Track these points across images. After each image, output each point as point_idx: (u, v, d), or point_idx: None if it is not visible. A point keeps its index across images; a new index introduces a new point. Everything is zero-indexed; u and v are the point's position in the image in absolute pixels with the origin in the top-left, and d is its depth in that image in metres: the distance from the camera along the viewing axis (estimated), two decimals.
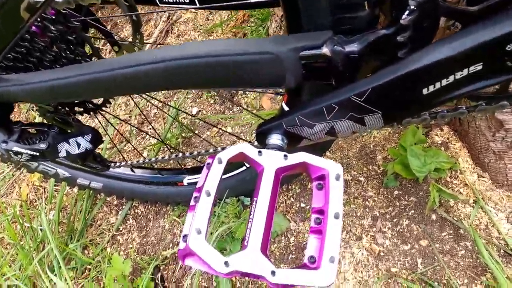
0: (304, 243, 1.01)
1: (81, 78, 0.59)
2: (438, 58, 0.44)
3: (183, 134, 1.43)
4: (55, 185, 1.52)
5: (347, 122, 0.53)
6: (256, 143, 0.64)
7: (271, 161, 0.55)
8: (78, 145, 0.78)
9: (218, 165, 0.55)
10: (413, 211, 0.93)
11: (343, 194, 0.52)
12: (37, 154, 0.74)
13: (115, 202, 1.42)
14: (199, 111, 1.46)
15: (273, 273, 0.46)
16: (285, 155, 0.55)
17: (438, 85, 0.46)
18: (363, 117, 0.51)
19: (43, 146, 0.73)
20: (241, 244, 0.50)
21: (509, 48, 0.40)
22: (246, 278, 1.02)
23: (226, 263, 0.46)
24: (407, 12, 0.45)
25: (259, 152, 0.55)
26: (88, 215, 1.38)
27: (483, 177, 0.91)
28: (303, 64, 0.52)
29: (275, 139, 0.59)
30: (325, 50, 0.50)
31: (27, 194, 1.61)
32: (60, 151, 0.76)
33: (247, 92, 1.40)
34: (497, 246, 0.83)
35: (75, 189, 1.49)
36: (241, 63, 0.53)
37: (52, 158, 0.76)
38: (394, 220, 0.94)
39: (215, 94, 1.48)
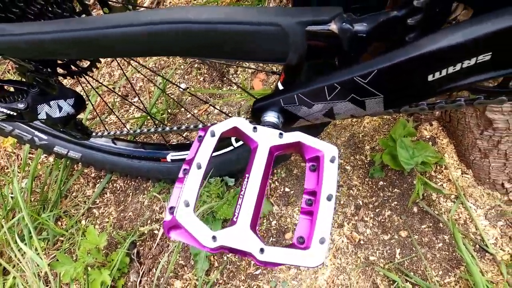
0: (285, 227, 1.01)
1: (67, 34, 0.54)
2: (447, 44, 0.43)
3: (169, 110, 1.39)
4: (29, 153, 1.45)
5: (347, 104, 0.52)
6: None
7: (266, 138, 0.53)
8: (60, 108, 0.73)
9: (211, 138, 0.53)
10: (396, 203, 0.94)
11: (337, 176, 0.51)
12: (14, 114, 0.69)
13: (92, 174, 1.37)
14: (188, 87, 1.42)
15: (261, 250, 0.44)
16: (280, 133, 0.53)
17: (444, 72, 0.45)
18: (364, 100, 0.50)
19: (21, 106, 0.68)
20: (230, 220, 0.48)
21: None
22: (225, 258, 1.01)
23: (213, 238, 0.45)
24: None
25: (254, 128, 0.53)
26: (63, 186, 1.33)
27: (467, 174, 0.92)
28: (308, 40, 0.50)
29: (271, 116, 0.57)
30: (333, 27, 0.48)
31: None
32: (40, 113, 0.71)
33: (238, 72, 1.37)
34: (474, 241, 0.85)
35: (51, 158, 1.43)
36: (242, 33, 0.50)
37: (30, 119, 0.72)
38: (377, 210, 0.95)
39: (205, 71, 1.44)
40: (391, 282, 0.86)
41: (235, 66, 1.39)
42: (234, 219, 0.47)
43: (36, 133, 1.16)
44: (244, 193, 0.49)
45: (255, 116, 0.59)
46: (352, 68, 0.48)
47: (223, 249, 0.46)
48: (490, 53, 0.42)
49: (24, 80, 0.74)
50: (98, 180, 1.36)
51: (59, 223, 1.29)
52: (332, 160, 0.51)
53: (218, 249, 0.46)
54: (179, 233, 0.48)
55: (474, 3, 0.44)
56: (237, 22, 0.50)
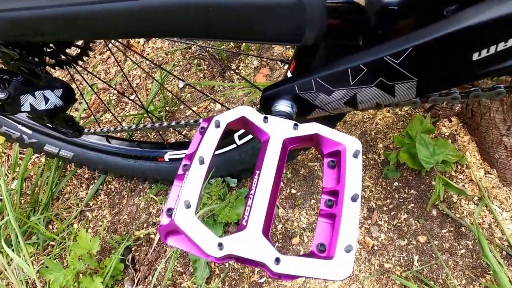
0: (292, 231, 0.93)
1: (53, 10, 0.47)
2: (499, 14, 0.36)
3: (167, 108, 1.32)
4: (20, 153, 1.38)
5: (373, 90, 0.45)
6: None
7: (279, 129, 0.46)
8: (46, 99, 0.66)
9: (215, 130, 0.46)
10: (412, 205, 0.87)
11: (362, 173, 0.44)
12: None
13: (86, 175, 1.30)
14: (187, 84, 1.36)
15: (277, 260, 0.37)
16: (295, 124, 0.46)
17: (493, 49, 0.38)
18: (394, 84, 0.43)
19: (1, 95, 0.61)
20: (239, 224, 0.41)
21: None
22: (227, 265, 0.94)
23: (220, 245, 0.38)
24: None
25: (265, 118, 0.46)
26: (55, 187, 1.26)
27: (490, 173, 0.86)
28: (329, 16, 0.43)
29: (284, 105, 0.50)
30: None
31: None
32: (23, 105, 0.64)
33: (240, 68, 1.30)
34: (500, 247, 0.78)
35: (43, 159, 1.36)
36: (250, 7, 0.43)
37: (12, 111, 0.65)
38: (392, 213, 0.88)
39: (205, 67, 1.37)
40: None
41: (237, 61, 1.32)
42: (244, 223, 0.40)
43: (25, 130, 1.09)
44: (254, 192, 0.42)
45: (265, 106, 0.52)
46: (381, 46, 0.41)
47: (231, 258, 0.39)
48: None
49: (7, 68, 0.67)
50: (92, 182, 1.29)
51: (50, 226, 1.22)
52: (355, 155, 0.44)
53: (224, 259, 0.39)
54: (178, 239, 0.41)
55: None
56: None
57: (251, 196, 0.42)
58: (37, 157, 1.39)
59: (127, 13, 0.44)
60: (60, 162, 1.28)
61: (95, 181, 1.27)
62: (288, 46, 1.25)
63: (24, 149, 1.37)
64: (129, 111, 1.40)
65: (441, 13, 0.41)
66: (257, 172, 0.44)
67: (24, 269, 1.02)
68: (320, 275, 0.37)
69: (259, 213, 0.40)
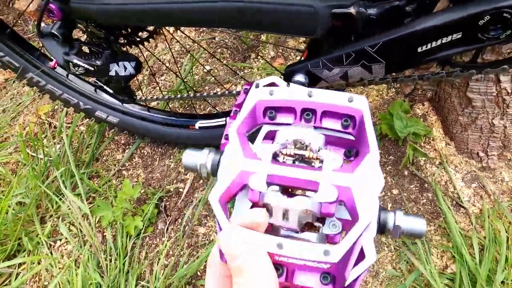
0: None
1: (153, 6, 0.72)
2: (431, 25, 0.61)
3: (194, 89, 1.56)
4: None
5: (358, 68, 0.70)
6: None
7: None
8: (125, 68, 0.91)
9: (256, 89, 0.71)
10: (390, 167, 1.13)
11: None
12: (92, 69, 0.87)
13: (122, 141, 1.53)
14: (211, 69, 1.60)
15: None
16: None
17: (429, 45, 0.63)
18: (371, 65, 0.68)
19: (99, 62, 0.86)
20: None
21: (480, 23, 0.58)
22: None
23: None
24: None
25: (288, 84, 0.71)
26: (95, 150, 1.48)
27: (450, 145, 1.11)
28: (332, 19, 0.68)
29: (300, 77, 0.75)
30: (352, 10, 0.66)
31: (33, 128, 1.68)
32: (111, 70, 0.89)
33: (259, 57, 1.55)
34: (452, 198, 1.04)
35: (82, 127, 1.58)
36: (286, 11, 0.68)
37: (102, 75, 0.89)
38: None
39: (228, 55, 1.62)
40: None
41: (256, 52, 1.57)
42: None
43: (82, 98, 1.33)
44: None
45: (287, 77, 0.77)
46: (364, 40, 0.66)
47: None
48: (461, 32, 0.60)
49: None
50: (127, 147, 1.51)
51: (91, 182, 1.45)
52: None
53: None
54: None
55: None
56: (283, 3, 0.68)
57: None
58: (77, 126, 1.61)
59: (210, 11, 0.69)
60: (100, 129, 1.51)
61: (130, 146, 1.51)
62: (302, 39, 1.51)
63: (72, 114, 1.60)
64: (160, 90, 1.64)
65: (402, 22, 0.66)
66: None
67: (80, 207, 1.26)
68: None
69: None
